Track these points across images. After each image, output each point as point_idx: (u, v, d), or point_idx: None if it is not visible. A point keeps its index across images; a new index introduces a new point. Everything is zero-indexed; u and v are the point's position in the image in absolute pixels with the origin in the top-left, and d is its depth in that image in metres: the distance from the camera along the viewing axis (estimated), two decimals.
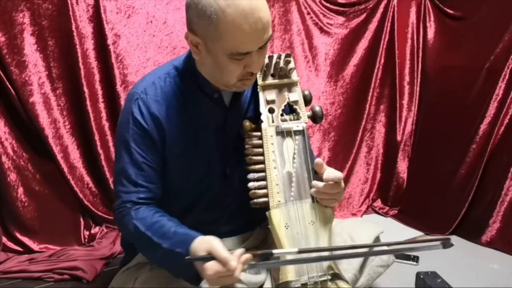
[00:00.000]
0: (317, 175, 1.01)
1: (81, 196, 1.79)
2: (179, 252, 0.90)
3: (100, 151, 1.80)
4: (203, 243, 0.87)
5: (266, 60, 1.05)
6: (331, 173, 0.98)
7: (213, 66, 0.97)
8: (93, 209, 1.83)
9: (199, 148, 1.08)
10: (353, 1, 2.17)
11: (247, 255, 0.84)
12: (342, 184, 1.00)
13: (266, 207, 1.00)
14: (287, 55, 1.07)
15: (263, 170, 1.02)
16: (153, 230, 0.96)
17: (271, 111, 1.06)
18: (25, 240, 1.72)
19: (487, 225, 1.88)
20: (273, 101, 1.06)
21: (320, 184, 0.98)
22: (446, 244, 0.88)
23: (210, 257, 0.84)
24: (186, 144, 1.07)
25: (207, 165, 1.10)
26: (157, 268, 1.08)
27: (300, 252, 0.89)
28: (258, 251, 0.87)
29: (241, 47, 0.90)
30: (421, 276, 1.49)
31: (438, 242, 0.89)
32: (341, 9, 2.17)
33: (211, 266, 0.82)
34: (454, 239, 1.95)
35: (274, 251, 0.87)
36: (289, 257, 0.93)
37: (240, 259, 0.83)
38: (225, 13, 0.86)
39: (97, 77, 1.76)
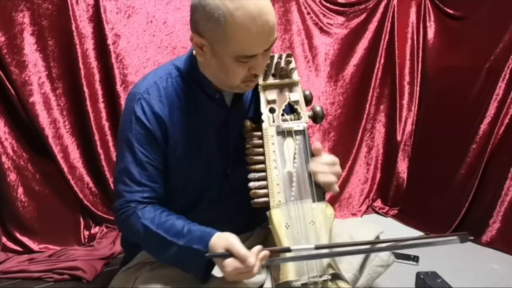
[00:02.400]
0: None
1: (81, 196, 1.79)
2: (196, 249, 0.92)
3: (100, 151, 1.80)
4: (221, 240, 0.90)
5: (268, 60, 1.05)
6: (327, 156, 1.02)
7: (218, 68, 0.97)
8: (93, 209, 1.83)
9: (200, 148, 1.08)
10: (353, 1, 2.17)
11: (265, 252, 0.88)
12: (339, 168, 1.03)
13: (266, 207, 1.00)
14: (288, 55, 1.07)
15: (264, 170, 1.02)
16: (164, 228, 0.97)
17: (272, 111, 1.06)
18: (25, 240, 1.72)
19: (487, 225, 1.89)
20: (274, 101, 1.06)
21: (313, 164, 1.01)
22: (464, 239, 0.90)
23: (229, 254, 0.87)
24: (188, 144, 1.07)
25: (208, 165, 1.11)
26: (157, 268, 1.08)
27: (317, 248, 0.91)
28: (276, 248, 0.91)
29: (248, 50, 0.91)
30: (421, 276, 1.49)
31: (455, 237, 0.91)
32: (341, 9, 2.17)
33: (230, 263, 0.86)
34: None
35: (292, 247, 0.89)
36: (304, 253, 0.93)
37: (258, 256, 0.86)
38: (234, 16, 0.86)
39: (97, 77, 1.76)
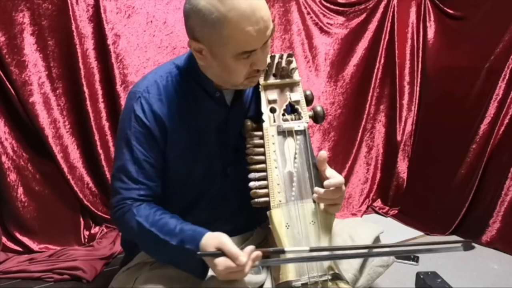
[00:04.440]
0: (318, 176, 1.01)
1: (81, 196, 1.79)
2: (188, 248, 0.92)
3: (100, 151, 1.79)
4: (212, 239, 0.90)
5: (268, 60, 1.05)
6: (332, 178, 0.99)
7: (221, 69, 0.97)
8: (93, 209, 1.83)
9: (200, 147, 1.09)
10: (353, 1, 2.17)
11: (258, 252, 0.88)
12: (343, 187, 1.00)
13: (267, 206, 1.00)
14: (289, 55, 1.08)
15: (264, 170, 1.02)
16: (158, 227, 0.97)
17: (272, 110, 1.06)
18: (25, 240, 1.72)
19: (487, 225, 1.89)
20: (274, 101, 1.06)
21: (321, 190, 0.98)
22: (467, 246, 0.92)
23: (220, 253, 0.86)
24: (188, 143, 1.07)
25: (208, 164, 1.11)
26: (157, 268, 1.08)
27: (311, 250, 0.90)
28: (270, 248, 0.90)
29: (247, 46, 0.91)
30: (421, 276, 1.49)
31: (459, 244, 0.92)
32: (341, 9, 2.17)
33: (221, 262, 0.86)
34: (454, 239, 1.95)
35: (286, 248, 0.89)
36: (298, 255, 0.93)
37: (250, 256, 0.86)
38: (228, 18, 0.87)
39: (97, 77, 1.76)
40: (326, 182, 0.98)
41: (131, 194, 1.03)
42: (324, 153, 1.01)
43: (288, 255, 0.91)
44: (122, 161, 1.04)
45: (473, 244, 0.91)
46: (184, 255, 0.93)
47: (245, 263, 0.85)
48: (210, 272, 0.98)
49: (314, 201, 1.01)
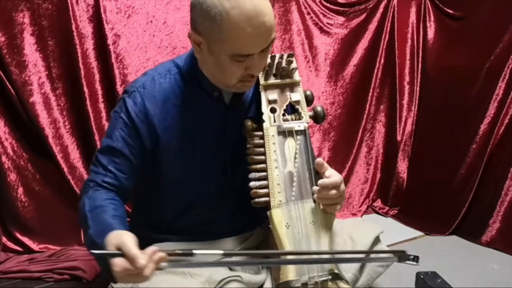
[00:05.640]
0: (319, 175, 1.01)
1: None
2: (97, 242, 0.87)
3: None
4: (115, 238, 0.82)
5: (268, 60, 1.05)
6: (329, 177, 0.98)
7: (215, 65, 0.97)
8: None
9: (197, 145, 1.08)
10: (353, 1, 2.17)
11: (161, 254, 0.79)
12: (343, 186, 1.00)
13: (267, 206, 1.00)
14: (289, 55, 1.08)
15: (265, 170, 1.02)
16: (94, 212, 0.95)
17: (273, 110, 1.06)
18: (25, 240, 1.72)
19: (487, 225, 1.89)
20: (275, 101, 1.06)
21: (316, 188, 0.99)
22: (401, 257, 0.85)
23: (119, 253, 0.78)
24: (183, 141, 1.07)
25: (206, 164, 1.11)
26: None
27: (225, 254, 0.87)
28: (177, 250, 0.81)
29: (244, 49, 0.91)
30: (421, 276, 1.49)
31: (391, 255, 0.87)
32: (341, 9, 2.17)
33: (118, 263, 0.77)
34: (454, 239, 1.96)
35: (195, 251, 0.80)
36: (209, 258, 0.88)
37: (152, 258, 0.78)
38: (230, 15, 0.86)
39: (97, 77, 1.76)
40: (320, 181, 0.97)
41: (96, 178, 1.03)
42: (319, 160, 1.00)
43: (198, 258, 0.81)
44: (101, 147, 1.06)
45: (409, 255, 0.86)
46: (94, 248, 0.86)
47: (144, 265, 0.76)
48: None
49: (315, 201, 1.01)
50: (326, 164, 1.01)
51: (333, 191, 0.98)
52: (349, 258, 0.99)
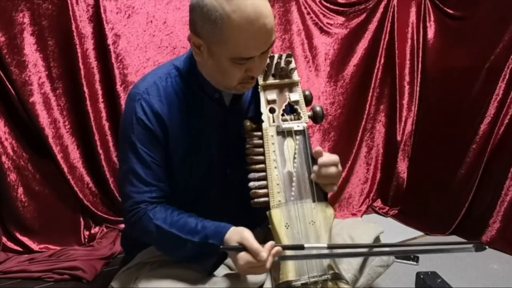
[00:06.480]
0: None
1: (81, 196, 1.79)
2: (212, 243, 0.94)
3: (100, 151, 1.79)
4: (235, 234, 0.92)
5: (267, 60, 1.05)
6: (325, 156, 1.01)
7: (215, 68, 0.97)
8: (93, 209, 1.83)
9: (200, 147, 1.09)
10: (353, 1, 2.17)
11: (278, 248, 0.89)
12: (340, 166, 1.02)
13: (266, 206, 1.00)
14: (288, 55, 1.08)
15: (264, 170, 1.02)
16: (178, 227, 0.99)
17: (272, 111, 1.06)
18: (25, 240, 1.72)
19: (487, 225, 1.89)
20: (274, 101, 1.06)
21: (316, 167, 1.00)
22: (479, 247, 0.93)
23: (242, 247, 0.88)
24: (187, 143, 1.07)
25: (208, 165, 1.11)
26: (157, 268, 1.08)
27: (329, 247, 0.93)
28: (289, 245, 0.92)
29: (244, 52, 0.91)
30: (421, 276, 1.49)
31: (470, 245, 0.94)
32: (341, 9, 2.17)
33: (243, 257, 0.88)
34: (454, 239, 1.95)
35: (306, 245, 0.90)
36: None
37: (271, 251, 0.88)
38: (231, 19, 0.86)
39: (97, 77, 1.76)
40: (319, 160, 1.00)
41: (143, 197, 1.03)
42: (318, 148, 1.02)
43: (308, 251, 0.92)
44: (129, 165, 1.04)
45: (485, 246, 0.92)
46: (207, 251, 0.95)
47: (266, 258, 0.86)
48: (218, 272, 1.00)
49: (314, 201, 1.01)
50: (324, 153, 1.03)
51: (333, 168, 1.00)
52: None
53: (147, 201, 1.03)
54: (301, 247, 0.91)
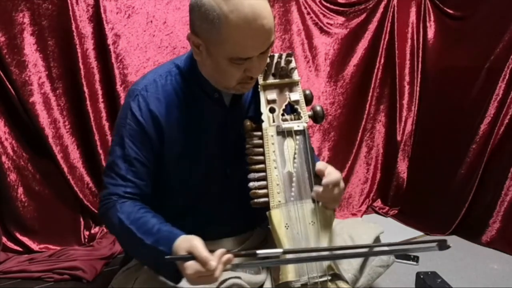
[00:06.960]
0: (319, 178, 1.01)
1: (81, 196, 1.79)
2: (161, 250, 0.89)
3: (100, 151, 1.79)
4: (184, 242, 0.87)
5: (267, 60, 1.05)
6: (329, 174, 0.99)
7: (214, 68, 0.97)
8: (93, 209, 1.83)
9: (199, 147, 1.08)
10: (353, 1, 2.17)
11: (229, 255, 0.84)
12: (342, 184, 1.01)
13: (266, 207, 1.00)
14: (288, 55, 1.07)
15: (264, 170, 1.02)
16: (137, 225, 0.96)
17: (272, 110, 1.06)
18: (25, 240, 1.72)
19: (487, 225, 1.89)
20: (274, 101, 1.06)
21: (320, 188, 0.99)
22: (442, 246, 0.88)
23: (191, 256, 0.83)
24: (186, 143, 1.07)
25: (207, 165, 1.10)
26: None
27: (284, 252, 0.90)
28: (242, 251, 0.88)
29: (242, 53, 0.91)
30: (421, 276, 1.49)
31: (434, 244, 0.89)
32: (341, 9, 2.17)
33: (191, 266, 0.82)
34: (454, 239, 1.95)
35: (258, 251, 0.86)
36: (287, 256, 0.93)
37: (221, 259, 0.83)
38: (228, 19, 0.86)
39: (97, 77, 1.76)
40: (324, 181, 0.98)
41: (117, 190, 1.02)
42: (320, 165, 1.01)
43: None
44: (113, 158, 1.04)
45: (449, 245, 0.88)
46: (157, 257, 0.90)
47: (215, 267, 0.81)
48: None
49: (314, 201, 1.01)
50: (326, 165, 1.02)
51: (335, 190, 0.99)
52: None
53: (119, 194, 1.02)
54: (253, 254, 0.86)
